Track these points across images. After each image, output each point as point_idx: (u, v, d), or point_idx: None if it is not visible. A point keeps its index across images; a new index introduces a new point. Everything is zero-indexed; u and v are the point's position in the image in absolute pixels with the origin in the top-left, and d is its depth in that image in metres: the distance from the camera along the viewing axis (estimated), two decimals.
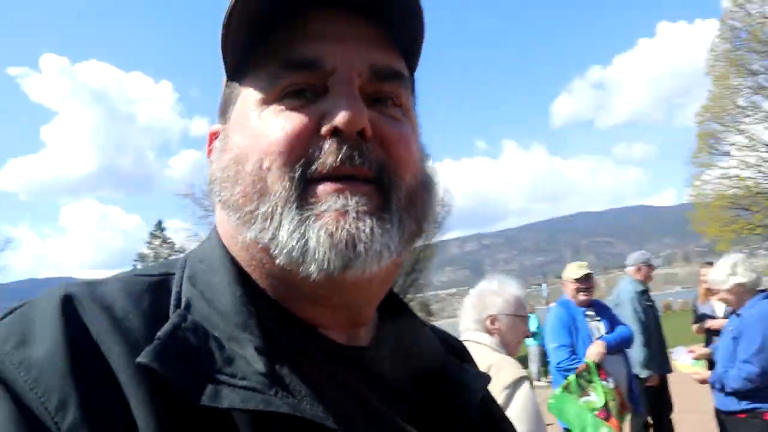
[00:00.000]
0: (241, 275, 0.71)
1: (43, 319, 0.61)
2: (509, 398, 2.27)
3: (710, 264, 6.68)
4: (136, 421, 0.56)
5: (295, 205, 0.67)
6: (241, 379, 0.60)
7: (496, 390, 2.30)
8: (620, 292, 6.67)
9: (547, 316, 6.05)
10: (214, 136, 0.82)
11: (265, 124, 0.70)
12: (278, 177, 0.67)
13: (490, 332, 2.66)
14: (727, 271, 4.31)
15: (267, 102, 0.71)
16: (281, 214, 0.67)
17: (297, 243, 0.65)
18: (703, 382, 4.55)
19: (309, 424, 0.60)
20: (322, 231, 0.65)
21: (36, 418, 0.54)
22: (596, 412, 4.33)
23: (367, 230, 0.66)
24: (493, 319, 2.66)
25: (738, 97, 29.68)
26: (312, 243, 0.65)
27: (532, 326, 17.10)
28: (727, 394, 4.16)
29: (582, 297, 5.28)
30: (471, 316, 2.74)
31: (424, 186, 0.76)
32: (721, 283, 4.34)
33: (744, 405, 4.08)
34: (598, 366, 4.56)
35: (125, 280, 0.69)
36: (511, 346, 2.67)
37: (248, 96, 0.74)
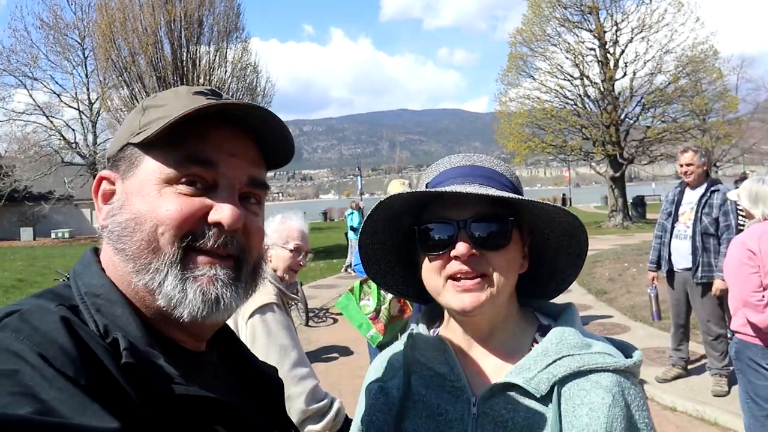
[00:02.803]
0: (133, 307, 0.90)
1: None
2: (255, 323, 2.84)
3: None
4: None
5: (178, 267, 0.88)
6: (172, 377, 0.83)
7: (247, 313, 2.84)
8: None
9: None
10: (104, 180, 0.97)
11: (165, 200, 0.89)
12: (169, 242, 0.88)
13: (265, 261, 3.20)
14: None
15: (168, 182, 0.90)
16: (167, 271, 0.88)
17: (178, 294, 0.88)
18: None
19: (206, 400, 0.86)
20: (198, 290, 0.89)
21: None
22: (369, 315, 5.41)
23: (228, 294, 0.91)
24: (267, 249, 3.13)
25: (547, 25, 31.97)
26: (189, 296, 0.88)
27: (354, 222, 18.35)
28: None
29: None
30: None
31: (261, 258, 1.04)
32: None
33: None
34: None
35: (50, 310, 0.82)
36: (283, 272, 3.16)
37: (152, 169, 0.91)
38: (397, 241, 1.31)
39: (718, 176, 23.56)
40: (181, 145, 0.91)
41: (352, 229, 18.54)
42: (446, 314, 1.34)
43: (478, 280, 1.16)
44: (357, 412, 1.39)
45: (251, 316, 2.87)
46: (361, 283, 5.48)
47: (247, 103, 0.93)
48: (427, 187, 1.25)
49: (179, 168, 0.91)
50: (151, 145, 0.91)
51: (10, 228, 45.37)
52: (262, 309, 2.89)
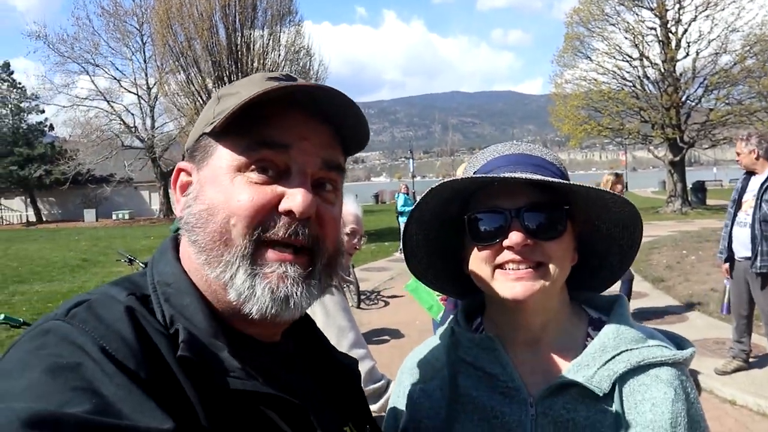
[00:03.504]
0: (203, 298, 0.90)
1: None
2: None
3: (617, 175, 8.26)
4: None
5: (249, 261, 0.86)
6: (232, 371, 0.83)
7: None
8: None
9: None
10: (182, 171, 0.98)
11: (237, 190, 0.87)
12: (241, 234, 0.86)
13: (342, 252, 3.20)
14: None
15: (240, 169, 0.88)
16: (238, 265, 0.86)
17: (247, 290, 0.86)
18: None
19: (266, 396, 0.85)
20: (267, 287, 0.86)
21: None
22: (439, 297, 5.28)
23: (298, 292, 0.87)
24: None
25: (605, 4, 30.93)
26: (258, 293, 0.86)
27: (400, 204, 18.84)
28: None
29: None
30: None
31: (337, 250, 0.99)
32: None
33: None
34: None
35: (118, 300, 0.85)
36: None
37: (224, 157, 0.90)
38: (441, 233, 1.26)
39: None
40: (251, 131, 0.90)
41: (398, 212, 18.99)
42: (489, 310, 1.29)
43: (532, 269, 1.12)
44: (392, 411, 1.36)
45: None
46: None
47: (316, 85, 0.91)
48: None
49: (249, 153, 0.89)
50: (223, 134, 0.91)
51: (74, 210, 47.47)
52: None
